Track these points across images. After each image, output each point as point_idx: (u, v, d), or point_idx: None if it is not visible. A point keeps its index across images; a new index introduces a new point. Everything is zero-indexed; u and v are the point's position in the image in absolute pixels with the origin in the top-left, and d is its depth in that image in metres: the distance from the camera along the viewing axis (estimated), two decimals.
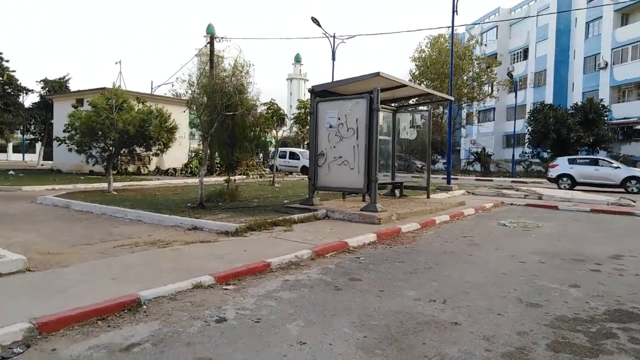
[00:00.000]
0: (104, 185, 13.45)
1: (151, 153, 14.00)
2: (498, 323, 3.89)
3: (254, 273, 5.12)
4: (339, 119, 9.58)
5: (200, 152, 29.09)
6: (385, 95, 11.45)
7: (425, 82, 34.07)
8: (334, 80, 9.43)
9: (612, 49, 36.77)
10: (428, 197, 12.76)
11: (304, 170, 27.01)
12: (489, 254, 6.73)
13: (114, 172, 16.41)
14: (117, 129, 12.43)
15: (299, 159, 29.30)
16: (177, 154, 22.98)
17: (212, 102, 9.84)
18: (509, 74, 34.27)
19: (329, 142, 9.74)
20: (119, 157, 13.95)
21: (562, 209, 12.55)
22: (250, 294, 4.46)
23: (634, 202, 13.46)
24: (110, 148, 13.20)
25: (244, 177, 23.16)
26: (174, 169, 23.35)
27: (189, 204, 10.08)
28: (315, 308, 4.14)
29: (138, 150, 13.70)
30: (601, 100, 34.41)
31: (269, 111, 16.67)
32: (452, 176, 31.35)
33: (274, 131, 17.77)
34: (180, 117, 18.50)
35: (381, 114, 12.70)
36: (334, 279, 5.13)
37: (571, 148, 33.44)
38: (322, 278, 5.14)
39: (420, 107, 13.62)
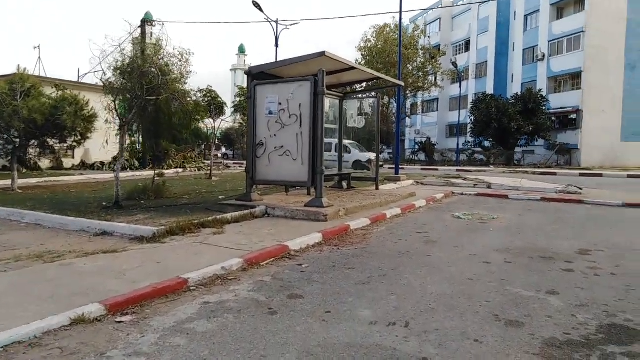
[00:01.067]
0: (8, 182, 11.60)
1: (66, 145, 12.25)
2: (478, 355, 3.00)
3: (165, 295, 3.97)
4: (280, 104, 8.48)
5: (128, 144, 27.04)
6: (331, 79, 10.48)
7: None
8: (274, 61, 8.27)
9: (548, 42, 37.91)
10: (377, 188, 11.97)
11: (356, 165, 22.63)
12: (449, 253, 5.93)
13: (25, 168, 14.43)
14: (21, 118, 10.65)
15: (349, 152, 24.63)
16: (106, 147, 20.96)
17: (131, 83, 8.42)
18: (454, 64, 34.45)
19: (268, 130, 8.62)
20: (27, 150, 12.08)
21: (512, 198, 12.17)
22: (152, 329, 3.32)
23: (581, 189, 13.36)
24: (15, 140, 11.36)
25: (180, 170, 21.55)
26: (102, 163, 21.29)
27: (104, 203, 8.64)
28: (241, 346, 3.07)
29: (50, 142, 11.91)
30: (539, 90, 35.42)
31: (206, 99, 15.26)
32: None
33: (212, 120, 16.35)
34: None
35: (327, 101, 11.74)
36: (269, 297, 4.07)
37: (512, 137, 34.23)
38: (253, 297, 4.07)
39: (368, 94, 12.75)
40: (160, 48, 8.98)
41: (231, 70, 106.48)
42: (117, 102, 8.44)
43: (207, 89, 15.20)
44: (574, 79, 36.31)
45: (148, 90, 8.38)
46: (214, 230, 6.58)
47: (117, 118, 8.45)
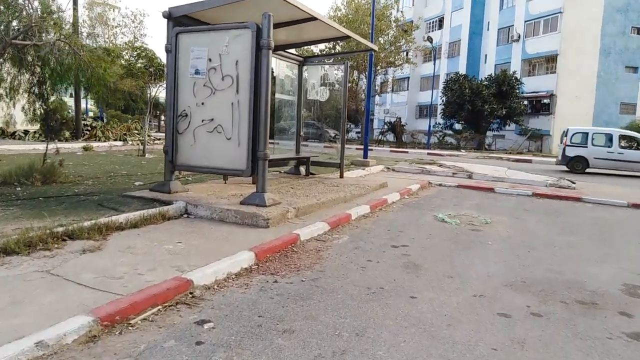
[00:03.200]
0: None
1: None
2: None
3: None
4: (210, 60, 6.13)
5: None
6: (288, 35, 8.18)
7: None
8: (204, 0, 5.88)
9: (525, 22, 36.39)
10: (341, 176, 9.86)
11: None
12: (442, 292, 3.89)
13: None
14: None
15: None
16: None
17: None
18: (429, 38, 32.40)
19: (194, 96, 6.28)
20: None
21: (500, 192, 10.33)
22: None
23: (574, 183, 11.68)
24: None
25: (121, 143, 18.81)
26: (25, 132, 18.18)
27: None
28: None
29: None
30: (514, 72, 33.99)
31: (141, 60, 12.61)
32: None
33: (150, 86, 13.71)
34: None
35: (284, 65, 9.44)
36: None
37: (484, 120, 32.80)
38: None
39: (335, 59, 10.41)
40: None
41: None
42: None
43: (140, 46, 12.51)
44: (548, 62, 35.03)
45: (22, 34, 5.84)
46: (88, 244, 4.28)
47: None
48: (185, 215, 5.79)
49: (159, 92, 17.31)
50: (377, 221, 6.68)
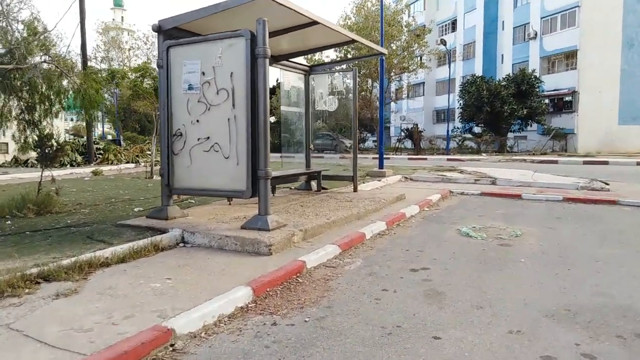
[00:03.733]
0: None
1: None
2: None
3: None
4: (204, 73, 5.68)
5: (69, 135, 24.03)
6: (292, 42, 7.73)
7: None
8: (193, 10, 5.42)
9: (541, 18, 35.41)
10: (355, 190, 9.28)
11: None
12: (470, 328, 3.27)
13: None
14: None
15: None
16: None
17: None
18: (442, 41, 31.71)
19: (189, 113, 5.82)
20: None
21: (527, 198, 9.59)
22: None
23: (607, 184, 10.84)
24: None
25: (132, 165, 18.64)
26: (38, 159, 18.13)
27: None
28: None
29: None
30: (533, 71, 32.99)
31: (139, 79, 12.31)
32: (384, 155, 28.52)
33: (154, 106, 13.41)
34: None
35: (289, 75, 8.97)
36: None
37: (505, 122, 31.84)
38: None
39: (342, 66, 9.88)
40: None
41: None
42: None
43: (143, 66, 12.22)
44: (568, 58, 33.89)
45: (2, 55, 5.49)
46: (64, 286, 3.80)
47: None
48: (182, 244, 5.29)
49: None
50: (394, 239, 6.07)
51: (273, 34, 6.94)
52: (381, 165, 12.72)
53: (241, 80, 5.41)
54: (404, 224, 7.12)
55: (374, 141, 43.82)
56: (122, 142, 25.40)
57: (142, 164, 19.20)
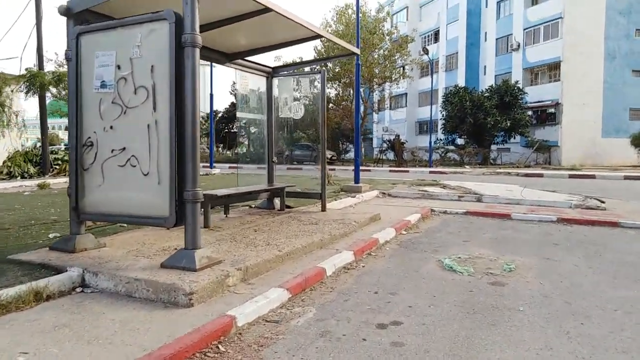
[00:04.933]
0: None
1: None
2: None
3: None
4: (119, 67, 4.47)
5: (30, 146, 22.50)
6: (250, 37, 6.58)
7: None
8: None
9: (524, 30, 35.10)
10: (323, 209, 8.10)
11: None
12: None
13: None
14: None
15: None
16: None
17: None
18: (424, 49, 30.99)
19: (101, 118, 4.59)
20: None
21: (517, 218, 8.55)
22: None
23: (603, 202, 9.87)
24: None
25: None
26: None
27: None
28: None
29: None
30: (516, 82, 32.49)
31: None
32: (363, 167, 27.40)
33: None
34: None
35: (250, 79, 7.84)
36: None
37: (488, 133, 31.17)
38: None
39: (311, 68, 8.69)
40: None
41: None
42: None
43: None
44: (551, 69, 33.53)
45: None
46: None
47: None
48: (80, 289, 4.02)
49: None
50: (362, 276, 4.90)
51: (219, 23, 5.79)
52: (357, 180, 11.58)
53: (164, 76, 4.21)
54: (376, 252, 5.96)
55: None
56: None
57: None
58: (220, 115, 44.22)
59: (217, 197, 6.43)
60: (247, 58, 7.45)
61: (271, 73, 8.13)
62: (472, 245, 6.36)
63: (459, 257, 5.63)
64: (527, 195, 10.64)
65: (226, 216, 7.12)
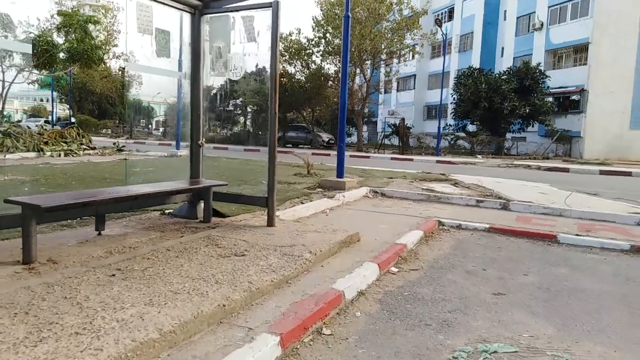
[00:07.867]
0: None
1: None
2: None
3: None
4: None
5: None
6: None
7: (332, 31, 26.60)
8: None
9: (548, 7, 31.59)
10: (270, 223, 5.23)
11: None
12: None
13: None
14: None
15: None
16: None
17: None
18: (437, 21, 27.67)
19: None
20: None
21: (567, 241, 5.69)
22: None
23: None
24: None
25: (34, 154, 14.62)
26: None
27: None
28: None
29: None
30: (538, 64, 29.21)
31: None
32: (360, 154, 24.44)
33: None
34: None
35: (163, 14, 4.96)
36: None
37: (504, 120, 28.05)
38: None
39: (254, 2, 5.57)
40: None
41: None
42: None
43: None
44: (577, 52, 30.15)
45: None
46: None
47: None
48: None
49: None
50: None
51: None
52: (340, 173, 8.65)
53: None
54: (332, 327, 3.14)
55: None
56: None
57: (49, 152, 15.13)
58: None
59: (95, 202, 3.60)
60: None
61: (199, 8, 5.22)
62: (509, 307, 3.54)
63: (494, 352, 2.80)
64: (574, 205, 7.71)
65: (99, 233, 4.32)
